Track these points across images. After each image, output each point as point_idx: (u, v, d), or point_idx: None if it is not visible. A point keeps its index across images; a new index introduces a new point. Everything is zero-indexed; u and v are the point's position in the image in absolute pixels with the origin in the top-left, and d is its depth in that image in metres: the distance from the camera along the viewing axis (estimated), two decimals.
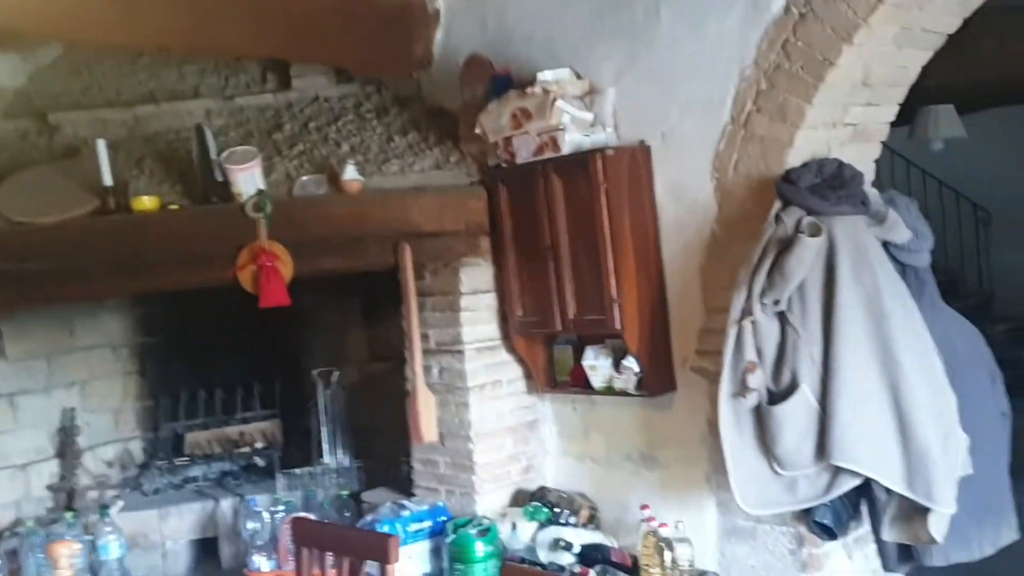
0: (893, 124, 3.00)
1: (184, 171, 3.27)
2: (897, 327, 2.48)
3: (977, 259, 8.29)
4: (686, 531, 2.90)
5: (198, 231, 3.04)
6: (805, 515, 2.70)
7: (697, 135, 2.87)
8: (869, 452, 2.44)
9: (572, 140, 2.96)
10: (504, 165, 3.12)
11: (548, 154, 2.99)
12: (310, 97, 3.69)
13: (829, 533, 2.69)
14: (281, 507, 3.34)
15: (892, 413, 2.45)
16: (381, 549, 2.19)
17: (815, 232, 2.51)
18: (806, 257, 2.49)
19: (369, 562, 2.30)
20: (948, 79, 4.94)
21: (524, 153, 3.05)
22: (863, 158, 2.93)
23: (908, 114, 5.52)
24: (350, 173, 3.13)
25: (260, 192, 3.01)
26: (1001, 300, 8.58)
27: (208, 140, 3.17)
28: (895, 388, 2.45)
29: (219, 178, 3.09)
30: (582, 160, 2.91)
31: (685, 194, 2.93)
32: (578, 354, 3.15)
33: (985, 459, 2.73)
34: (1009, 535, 2.87)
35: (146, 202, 3.04)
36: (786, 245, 2.52)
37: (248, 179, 3.03)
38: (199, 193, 3.16)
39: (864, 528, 2.80)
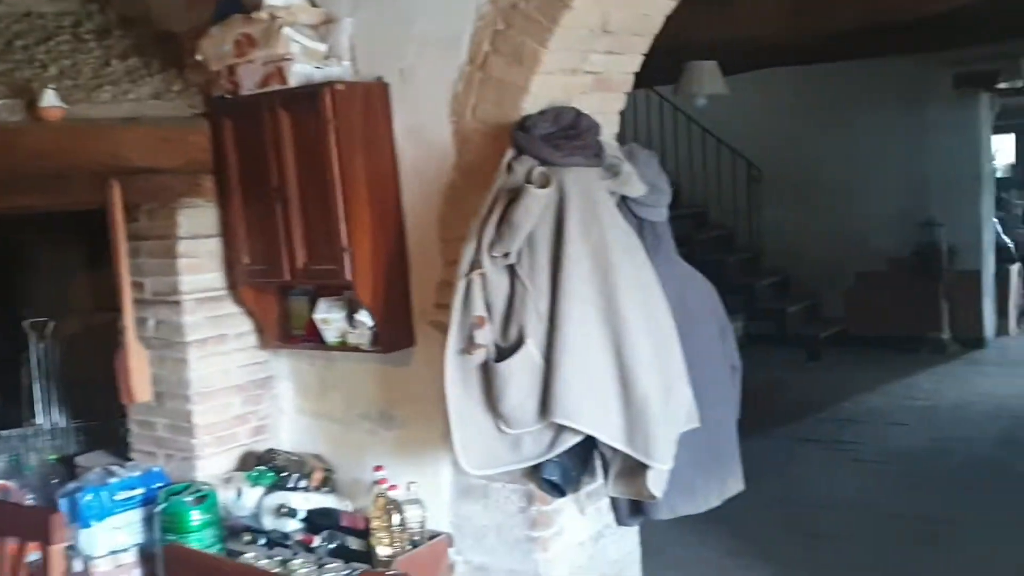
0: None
1: None
2: (623, 281, 2.42)
3: (749, 215, 8.68)
4: (418, 492, 2.78)
5: None
6: (536, 472, 2.64)
7: (435, 75, 2.70)
8: (590, 408, 2.38)
9: (301, 72, 2.72)
10: (228, 97, 2.84)
11: (274, 86, 2.74)
12: (20, 12, 3.23)
13: (558, 490, 2.64)
14: None
15: (614, 368, 2.40)
16: (41, 527, 1.91)
17: (544, 183, 2.41)
18: (534, 208, 2.38)
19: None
20: (715, 36, 5.03)
21: (249, 84, 2.78)
22: (607, 108, 2.86)
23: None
24: (48, 99, 2.74)
25: None
26: (770, 254, 9.04)
27: None
28: (618, 343, 2.40)
29: None
30: (310, 94, 2.68)
31: (424, 137, 2.76)
32: (316, 306, 2.94)
33: (713, 412, 2.75)
34: (735, 486, 2.93)
35: None
36: (516, 196, 2.41)
37: None
38: None
39: (597, 483, 2.78)
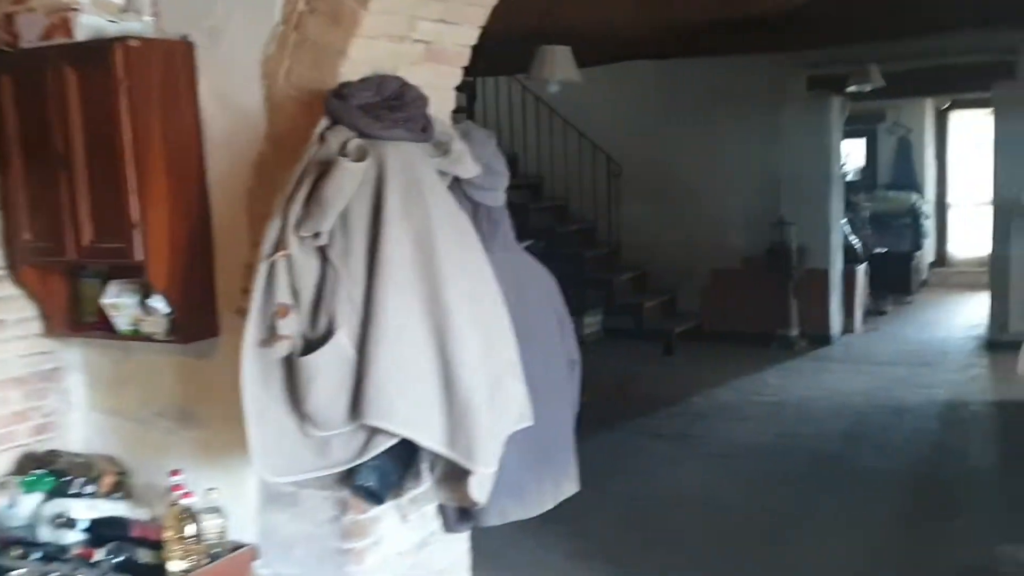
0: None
1: None
2: (449, 267, 2.21)
3: (609, 210, 8.65)
4: (220, 499, 2.50)
5: None
6: (350, 478, 2.39)
7: (245, 35, 2.42)
8: (406, 408, 2.15)
9: (89, 24, 2.39)
10: (6, 50, 2.48)
11: (59, 39, 2.40)
12: None
13: (375, 497, 2.41)
14: None
15: (436, 363, 2.18)
16: None
17: (359, 156, 2.17)
18: (346, 184, 2.14)
19: None
20: (570, 23, 4.89)
21: (30, 36, 2.44)
22: (440, 82, 2.64)
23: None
24: None
25: None
26: (629, 249, 9.05)
27: None
28: (441, 335, 2.18)
29: None
30: (99, 50, 2.35)
31: (233, 104, 2.48)
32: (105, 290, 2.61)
33: (548, 410, 2.58)
34: (570, 487, 2.77)
35: None
36: (327, 169, 2.16)
37: None
38: None
39: (423, 487, 2.56)
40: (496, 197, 2.62)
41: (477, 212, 2.54)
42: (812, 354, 8.07)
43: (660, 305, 8.74)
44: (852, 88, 7.42)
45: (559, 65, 4.90)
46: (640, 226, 8.89)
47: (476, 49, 2.75)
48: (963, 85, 8.26)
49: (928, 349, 8.14)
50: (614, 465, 5.16)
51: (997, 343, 7.80)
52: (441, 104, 2.62)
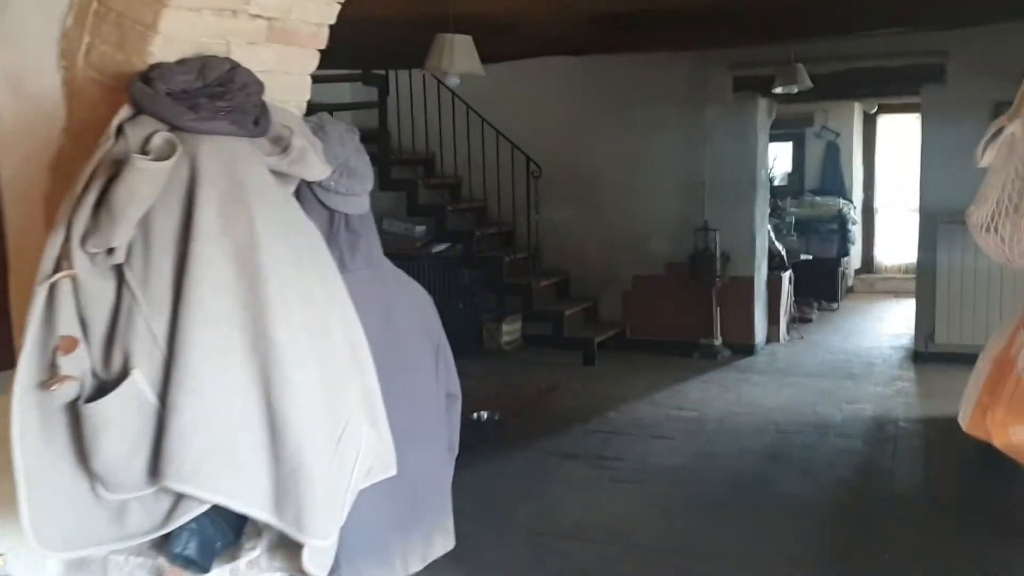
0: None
1: None
2: (280, 294, 1.78)
3: (528, 212, 8.29)
4: (13, 565, 2.06)
5: None
6: (165, 544, 1.97)
7: (39, 4, 1.98)
8: (218, 468, 1.73)
9: None
10: None
11: None
12: None
13: (197, 566, 1.99)
14: None
15: (260, 412, 1.76)
16: None
17: (163, 154, 1.74)
18: (142, 189, 1.71)
19: None
20: (479, 11, 4.51)
21: None
22: (291, 67, 2.22)
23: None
24: None
25: None
26: (549, 254, 8.71)
27: None
28: (267, 378, 1.76)
29: None
30: None
31: (27, 88, 2.03)
32: None
33: (418, 454, 2.21)
34: (444, 543, 2.39)
35: None
36: (120, 170, 1.73)
37: None
38: None
39: (258, 551, 2.15)
40: (357, 204, 2.21)
41: (333, 222, 2.15)
42: (735, 364, 7.83)
43: (582, 312, 8.42)
44: (779, 89, 7.17)
45: (458, 56, 4.50)
46: (561, 230, 8.57)
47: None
48: (893, 88, 8.10)
49: (854, 360, 7.96)
50: (521, 491, 4.80)
51: (923, 355, 7.64)
52: (292, 94, 2.23)
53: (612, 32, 5.47)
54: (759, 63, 7.79)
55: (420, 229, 8.33)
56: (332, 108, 8.15)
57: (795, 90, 7.17)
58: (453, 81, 5.11)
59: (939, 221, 7.44)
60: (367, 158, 2.26)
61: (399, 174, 8.06)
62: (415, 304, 2.41)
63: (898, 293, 11.94)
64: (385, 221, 8.62)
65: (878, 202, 12.48)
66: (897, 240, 12.38)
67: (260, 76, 1.95)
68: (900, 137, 12.29)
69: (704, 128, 8.06)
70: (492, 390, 6.92)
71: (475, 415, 6.00)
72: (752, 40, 6.77)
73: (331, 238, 2.12)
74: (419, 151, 8.55)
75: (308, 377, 1.80)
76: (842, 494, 4.81)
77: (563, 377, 7.38)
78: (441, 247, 8.24)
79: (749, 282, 8.13)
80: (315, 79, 2.32)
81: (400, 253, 8.21)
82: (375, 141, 7.92)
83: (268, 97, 1.97)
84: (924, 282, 7.67)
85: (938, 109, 7.52)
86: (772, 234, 8.81)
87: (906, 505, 4.69)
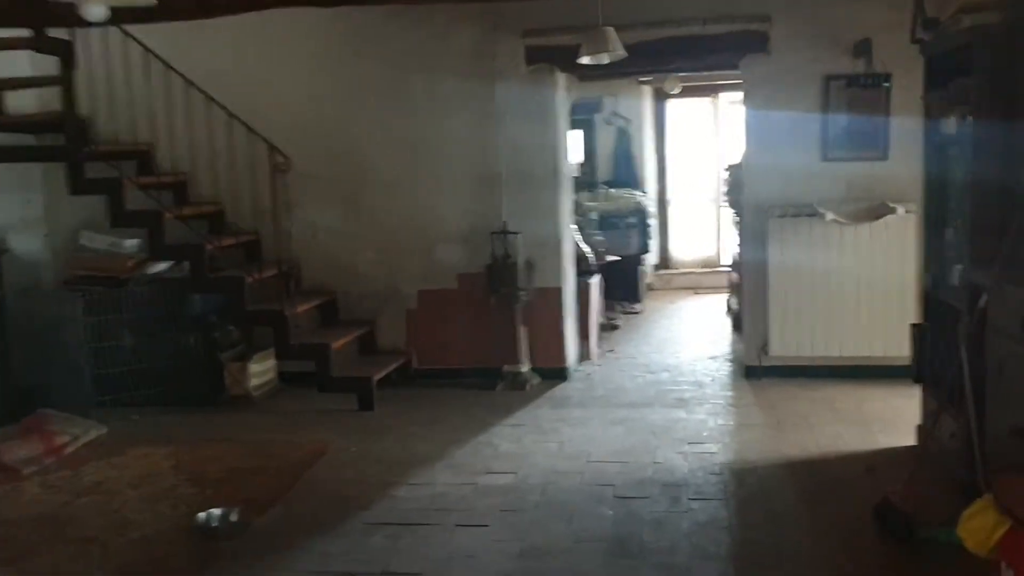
0: None
1: None
2: None
3: (277, 217, 6.46)
4: None
5: None
6: None
7: None
8: None
9: None
10: None
11: None
12: None
13: None
14: None
15: None
16: None
17: None
18: None
19: None
20: None
21: None
22: None
23: None
24: None
25: None
26: (308, 268, 6.96)
27: None
28: None
29: None
30: None
31: None
32: None
33: None
34: None
35: None
36: None
37: None
38: None
39: None
40: None
41: None
42: (549, 395, 6.41)
43: (355, 341, 6.72)
44: (586, 59, 5.78)
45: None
46: (324, 237, 6.83)
47: None
48: (711, 61, 6.94)
49: (679, 379, 6.75)
50: None
51: (757, 370, 6.55)
52: None
53: None
54: (556, 30, 6.41)
55: (132, 244, 6.30)
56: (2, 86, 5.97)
57: (606, 59, 5.81)
58: (96, 12, 3.30)
59: (769, 215, 6.35)
60: None
61: (99, 172, 5.99)
62: None
63: (697, 289, 11.09)
64: (84, 235, 6.51)
65: (672, 192, 11.57)
66: (692, 233, 11.54)
67: None
68: (693, 122, 11.43)
69: (495, 111, 6.57)
70: (232, 462, 5.09)
71: (203, 517, 4.18)
72: None
73: None
74: (128, 142, 6.53)
75: None
76: None
77: (333, 432, 5.66)
78: (161, 266, 6.27)
79: (557, 293, 6.74)
80: None
81: (105, 276, 6.16)
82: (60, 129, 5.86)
83: None
84: (752, 285, 6.56)
85: (762, 85, 6.42)
86: (577, 235, 7.48)
87: None
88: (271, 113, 6.53)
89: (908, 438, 4.98)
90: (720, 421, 5.68)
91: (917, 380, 4.89)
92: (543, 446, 5.30)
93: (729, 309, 9.28)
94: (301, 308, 6.43)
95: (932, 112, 4.66)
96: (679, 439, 5.33)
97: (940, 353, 4.56)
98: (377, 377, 6.30)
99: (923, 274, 4.86)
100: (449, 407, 6.18)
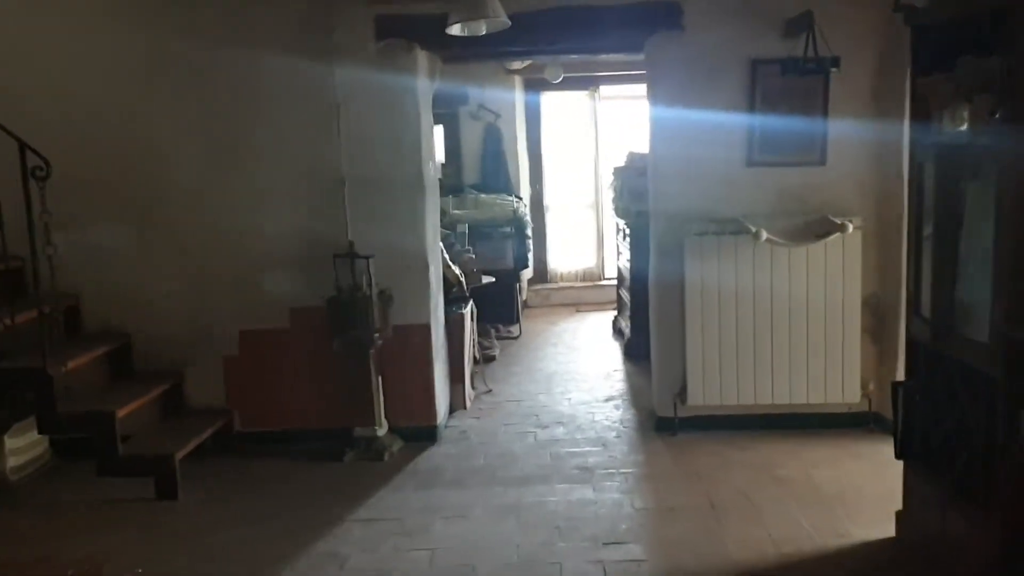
0: None
1: None
2: None
3: (34, 241, 4.75)
4: None
5: None
6: None
7: None
8: None
9: None
10: None
11: None
12: None
13: None
14: None
15: None
16: None
17: None
18: None
19: None
20: None
21: None
22: None
23: None
24: None
25: None
26: (91, 304, 5.27)
27: None
28: None
29: None
30: None
31: None
32: None
33: None
34: None
35: None
36: None
37: None
38: None
39: None
40: None
41: None
42: (413, 467, 4.97)
43: (156, 401, 5.09)
44: (456, 29, 4.37)
45: None
46: (113, 264, 5.17)
47: None
48: (610, 42, 5.63)
49: (577, 435, 5.43)
50: None
51: (673, 423, 5.31)
52: None
53: None
54: None
55: None
56: None
57: (483, 30, 4.42)
58: None
59: (685, 232, 5.10)
60: None
61: None
62: None
63: (579, 306, 9.88)
64: None
65: (549, 198, 10.30)
66: (572, 243, 10.31)
67: None
68: (569, 118, 10.19)
69: (337, 96, 5.08)
70: None
71: None
72: None
73: None
74: None
75: None
76: None
77: (117, 537, 4.08)
78: None
79: (424, 332, 5.30)
80: None
81: None
82: None
83: None
84: (666, 319, 5.31)
85: (672, 71, 5.16)
86: (445, 254, 6.05)
87: None
88: (29, 99, 4.82)
89: (885, 525, 3.85)
90: (638, 503, 4.37)
91: (900, 456, 3.74)
92: (408, 557, 3.86)
93: (617, 331, 8.10)
94: (76, 362, 4.74)
95: (928, 103, 3.48)
96: (591, 537, 3.99)
97: (944, 426, 3.39)
98: (181, 454, 4.70)
99: (911, 320, 3.69)
100: (281, 491, 4.66)
